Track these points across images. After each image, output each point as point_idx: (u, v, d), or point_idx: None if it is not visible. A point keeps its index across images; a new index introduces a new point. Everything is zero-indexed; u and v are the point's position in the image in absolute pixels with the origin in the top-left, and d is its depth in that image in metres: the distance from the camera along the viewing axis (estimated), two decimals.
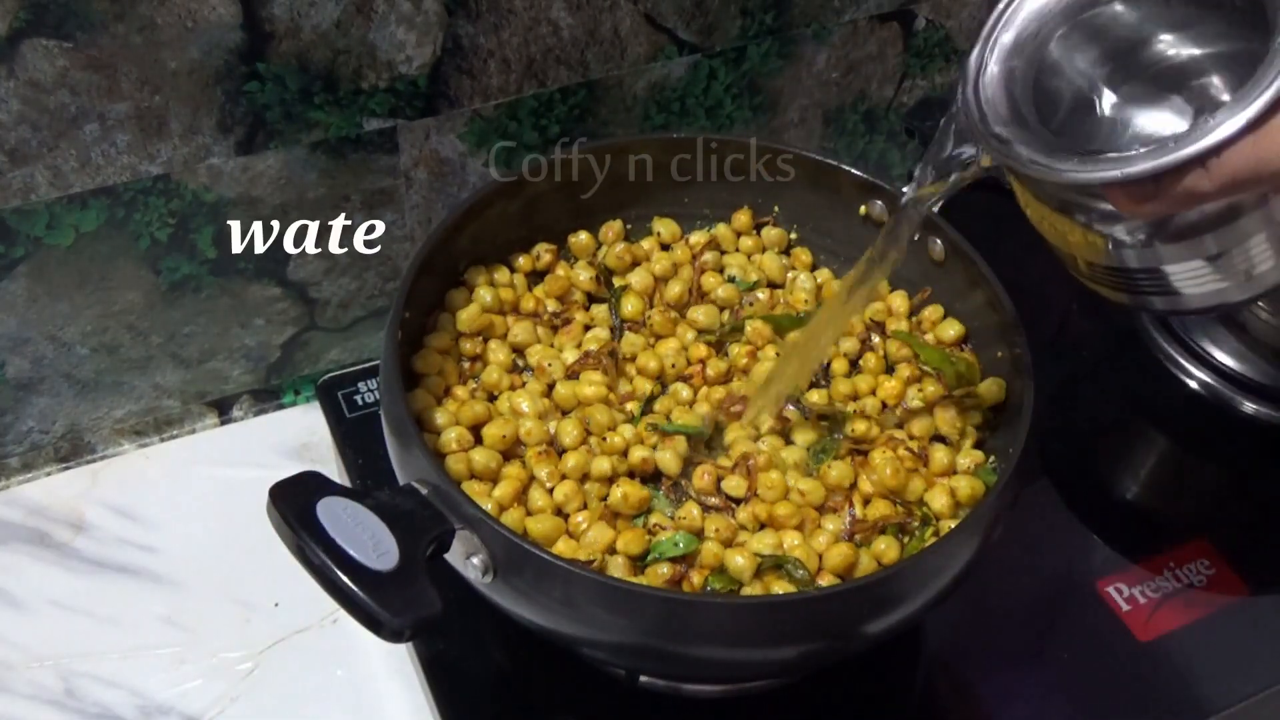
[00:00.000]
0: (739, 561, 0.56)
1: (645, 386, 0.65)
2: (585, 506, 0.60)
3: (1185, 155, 0.41)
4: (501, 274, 0.69)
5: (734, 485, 0.61)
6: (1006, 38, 0.50)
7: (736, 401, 0.64)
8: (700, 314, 0.69)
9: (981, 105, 0.49)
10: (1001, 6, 0.50)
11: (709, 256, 0.72)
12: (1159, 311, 0.52)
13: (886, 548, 0.58)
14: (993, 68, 0.50)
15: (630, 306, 0.69)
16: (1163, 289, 0.49)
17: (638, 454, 0.61)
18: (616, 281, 0.70)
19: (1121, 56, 0.50)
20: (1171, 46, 0.50)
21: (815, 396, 0.66)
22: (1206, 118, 0.41)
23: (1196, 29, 0.49)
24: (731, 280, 0.71)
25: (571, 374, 0.65)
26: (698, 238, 0.73)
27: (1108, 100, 0.51)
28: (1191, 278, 0.48)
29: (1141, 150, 0.43)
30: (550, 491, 0.60)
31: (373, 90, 0.69)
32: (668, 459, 0.61)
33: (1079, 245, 0.50)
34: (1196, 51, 0.50)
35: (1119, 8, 0.50)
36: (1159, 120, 0.49)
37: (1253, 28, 0.43)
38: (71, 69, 0.61)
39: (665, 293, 0.70)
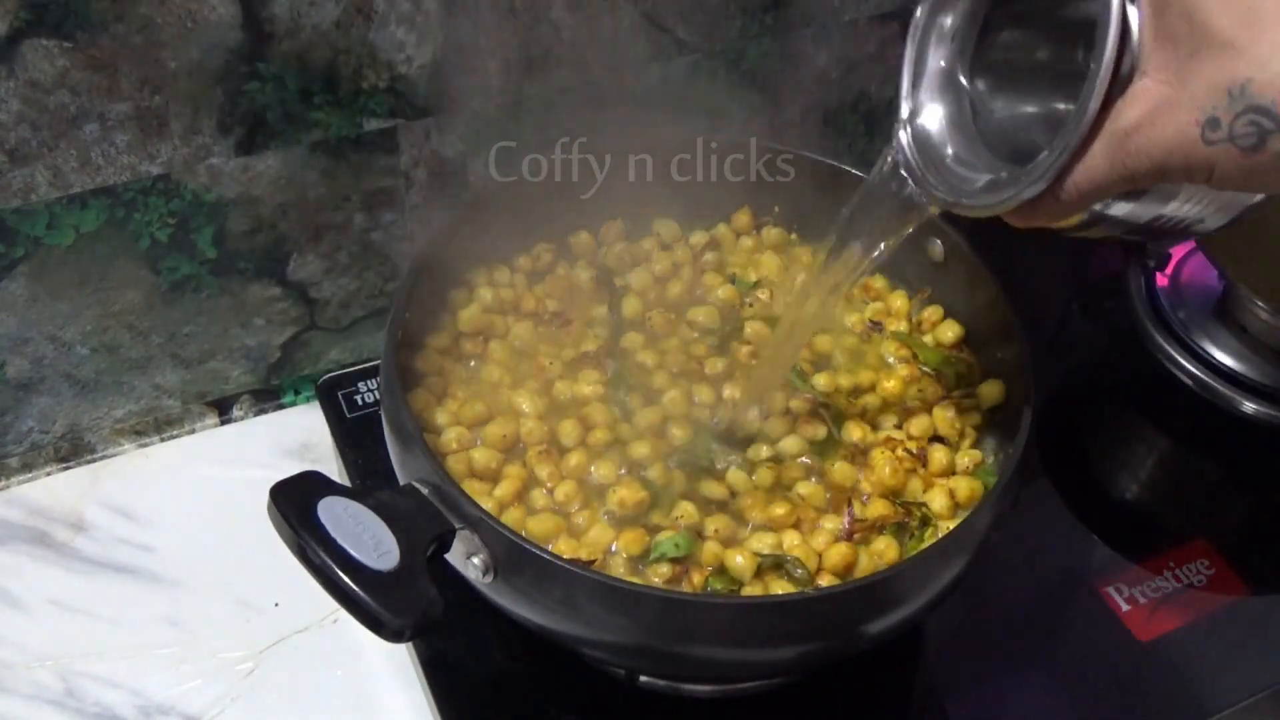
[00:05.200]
0: (739, 561, 0.56)
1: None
2: (586, 506, 0.60)
3: (1030, 193, 0.46)
4: (501, 274, 0.69)
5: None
6: (926, 84, 0.54)
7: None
8: (700, 314, 0.69)
9: (908, 152, 0.54)
10: (906, 67, 0.54)
11: (709, 257, 0.72)
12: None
13: (886, 548, 0.58)
14: (922, 112, 0.54)
15: (630, 306, 0.69)
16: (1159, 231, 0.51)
17: (637, 450, 0.61)
18: (616, 281, 0.70)
19: (1029, 73, 0.53)
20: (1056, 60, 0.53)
21: (822, 380, 0.66)
22: (1045, 151, 0.45)
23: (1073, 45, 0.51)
24: (732, 280, 0.71)
25: (572, 374, 0.65)
26: (698, 238, 0.73)
27: (1034, 110, 0.54)
28: (1177, 216, 0.50)
29: (1010, 177, 0.48)
30: (550, 491, 0.60)
31: (373, 90, 0.69)
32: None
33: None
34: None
35: (1007, 35, 0.53)
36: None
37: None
38: (71, 69, 0.61)
39: (665, 293, 0.70)
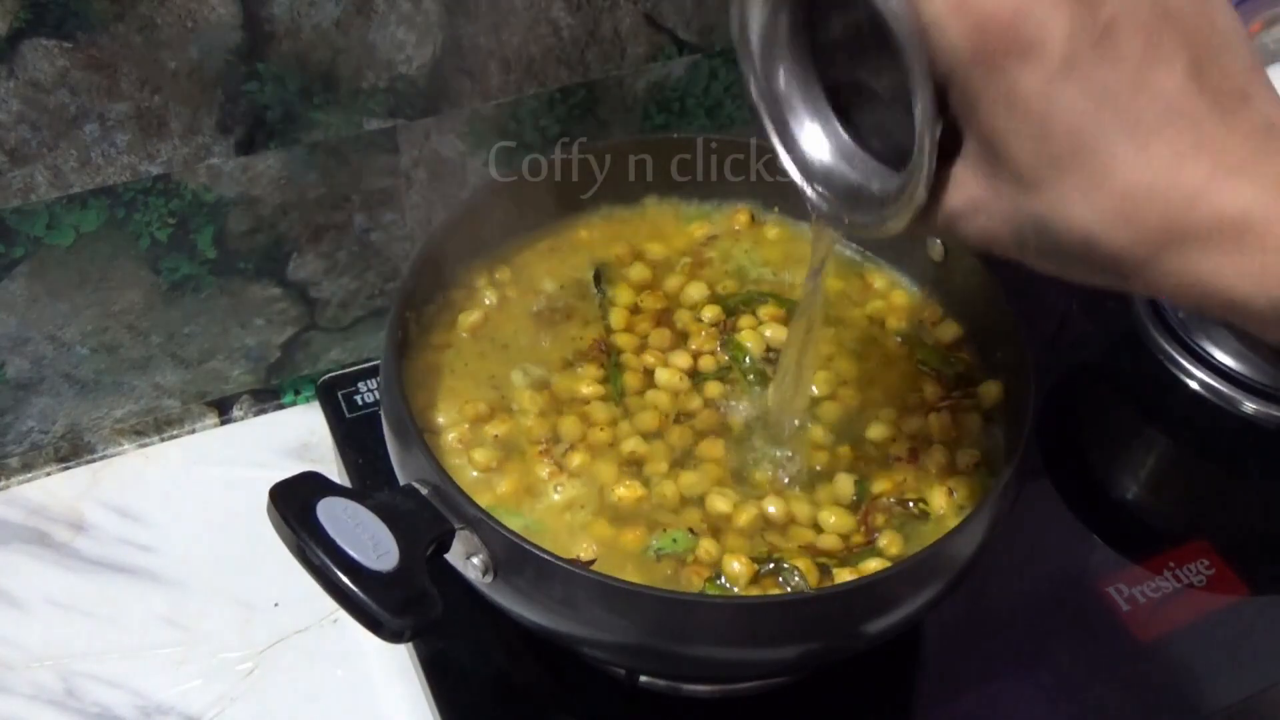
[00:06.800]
0: (735, 568, 0.56)
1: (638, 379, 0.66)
2: (586, 504, 0.60)
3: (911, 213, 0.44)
4: (502, 274, 0.69)
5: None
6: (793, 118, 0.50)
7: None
8: (700, 311, 0.69)
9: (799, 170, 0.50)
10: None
11: (709, 255, 0.72)
12: None
13: (889, 543, 0.58)
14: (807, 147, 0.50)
15: (630, 303, 0.69)
16: None
17: (628, 445, 0.61)
18: (616, 279, 0.70)
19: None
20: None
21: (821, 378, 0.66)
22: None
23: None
24: (733, 278, 0.71)
25: (570, 370, 0.65)
26: (698, 235, 0.73)
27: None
28: None
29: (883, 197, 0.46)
30: (550, 490, 0.60)
31: (373, 90, 0.69)
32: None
33: None
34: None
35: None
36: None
37: None
38: (71, 69, 0.61)
39: (665, 287, 0.70)
